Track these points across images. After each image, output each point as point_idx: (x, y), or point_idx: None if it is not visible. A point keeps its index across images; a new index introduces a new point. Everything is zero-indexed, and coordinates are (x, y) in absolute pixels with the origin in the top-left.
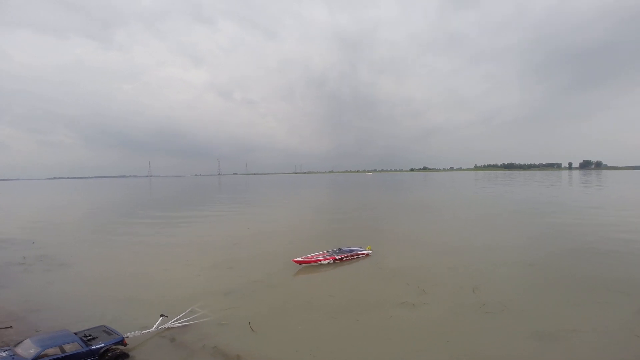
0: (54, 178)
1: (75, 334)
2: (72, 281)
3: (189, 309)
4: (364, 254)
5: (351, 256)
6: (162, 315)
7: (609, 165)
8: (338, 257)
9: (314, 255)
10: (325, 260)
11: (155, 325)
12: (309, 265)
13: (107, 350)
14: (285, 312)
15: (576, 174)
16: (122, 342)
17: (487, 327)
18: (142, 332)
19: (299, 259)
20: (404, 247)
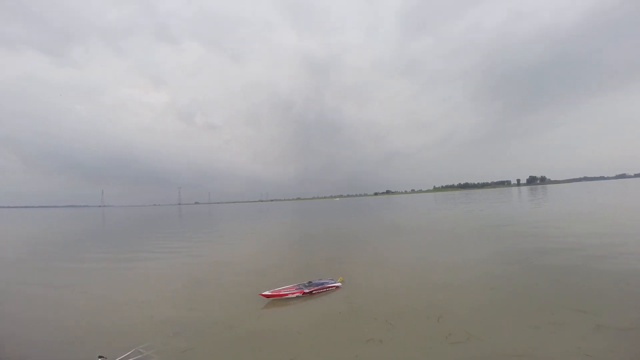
0: None
1: None
2: (1, 323)
3: (133, 350)
4: (334, 286)
5: (321, 289)
6: (100, 357)
7: (552, 179)
8: (307, 290)
9: (283, 289)
10: (293, 294)
11: None
12: (277, 299)
13: None
14: (246, 351)
15: (524, 189)
16: None
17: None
18: None
19: (266, 292)
20: (374, 276)
